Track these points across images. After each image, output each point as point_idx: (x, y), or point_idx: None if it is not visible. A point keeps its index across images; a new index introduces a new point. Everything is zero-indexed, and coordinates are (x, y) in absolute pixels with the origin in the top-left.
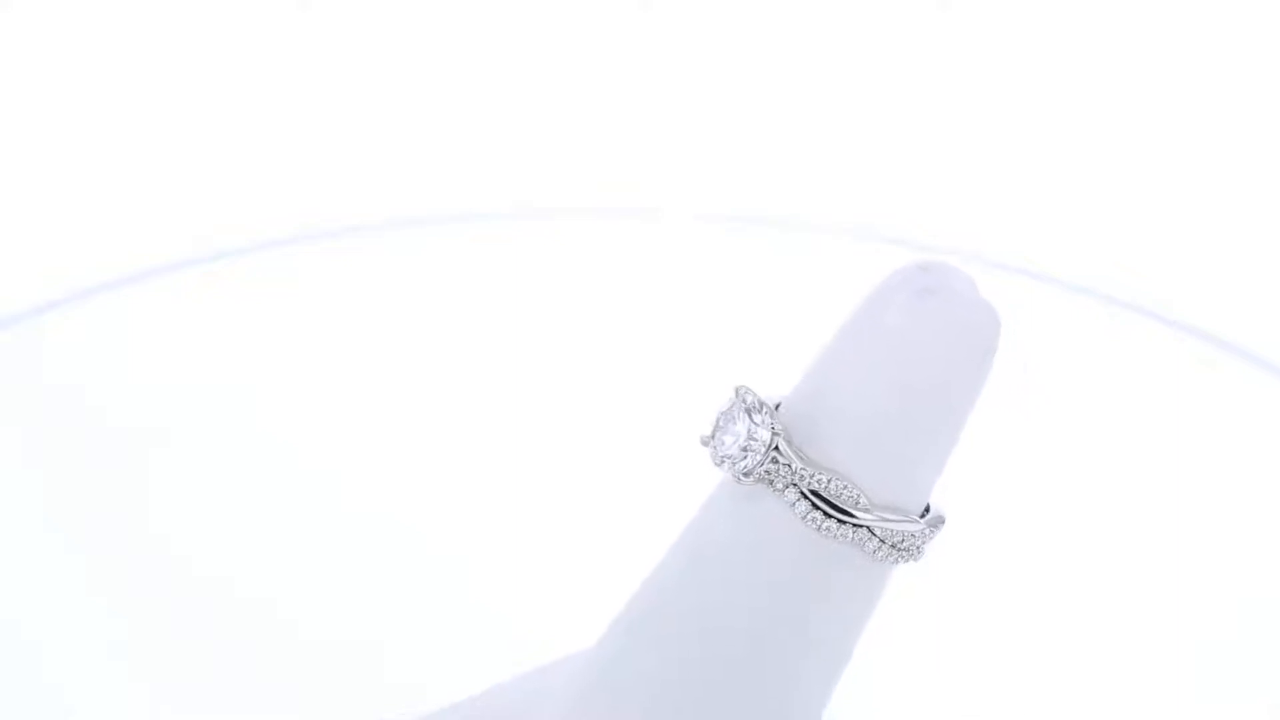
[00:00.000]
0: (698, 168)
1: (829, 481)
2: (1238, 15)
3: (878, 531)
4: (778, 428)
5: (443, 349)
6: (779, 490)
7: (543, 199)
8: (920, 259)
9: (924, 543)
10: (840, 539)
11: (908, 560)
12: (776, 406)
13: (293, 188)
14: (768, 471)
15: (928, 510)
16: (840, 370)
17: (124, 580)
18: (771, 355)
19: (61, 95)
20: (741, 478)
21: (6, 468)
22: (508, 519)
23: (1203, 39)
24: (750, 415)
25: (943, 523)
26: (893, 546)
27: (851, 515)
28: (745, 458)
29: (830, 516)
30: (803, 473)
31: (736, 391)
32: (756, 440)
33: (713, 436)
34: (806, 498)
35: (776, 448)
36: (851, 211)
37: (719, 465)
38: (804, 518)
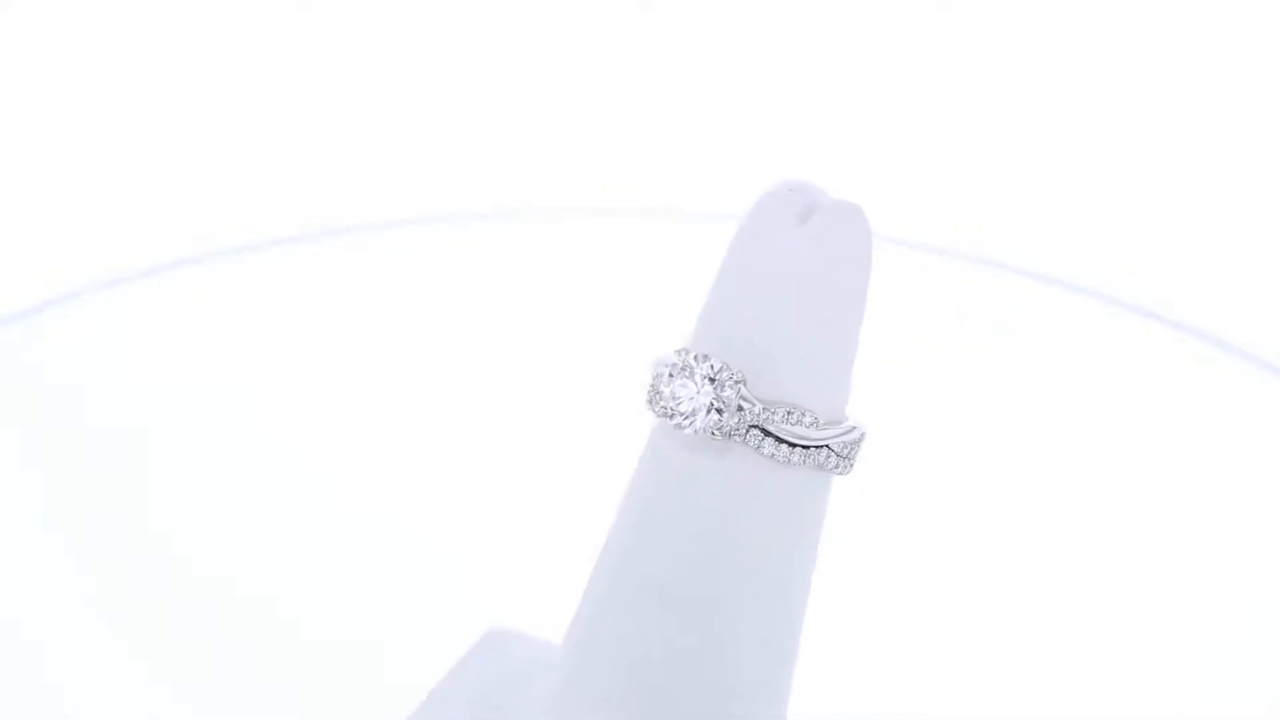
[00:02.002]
0: (698, 168)
1: (787, 413)
2: (1238, 15)
3: (835, 446)
4: (738, 377)
5: (443, 349)
6: (742, 436)
7: (543, 199)
8: (784, 181)
9: (861, 442)
10: (804, 464)
11: (850, 467)
12: (709, 361)
13: (293, 188)
14: (737, 422)
15: None
16: (751, 303)
17: (124, 580)
18: None
19: (61, 95)
20: (715, 433)
21: (6, 467)
22: (508, 519)
23: (1203, 39)
24: (704, 372)
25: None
26: (843, 457)
27: (811, 438)
28: (713, 415)
29: (795, 446)
30: (764, 413)
31: (680, 354)
32: (725, 395)
33: (656, 396)
34: (770, 435)
35: (743, 396)
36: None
37: (679, 425)
38: (771, 455)
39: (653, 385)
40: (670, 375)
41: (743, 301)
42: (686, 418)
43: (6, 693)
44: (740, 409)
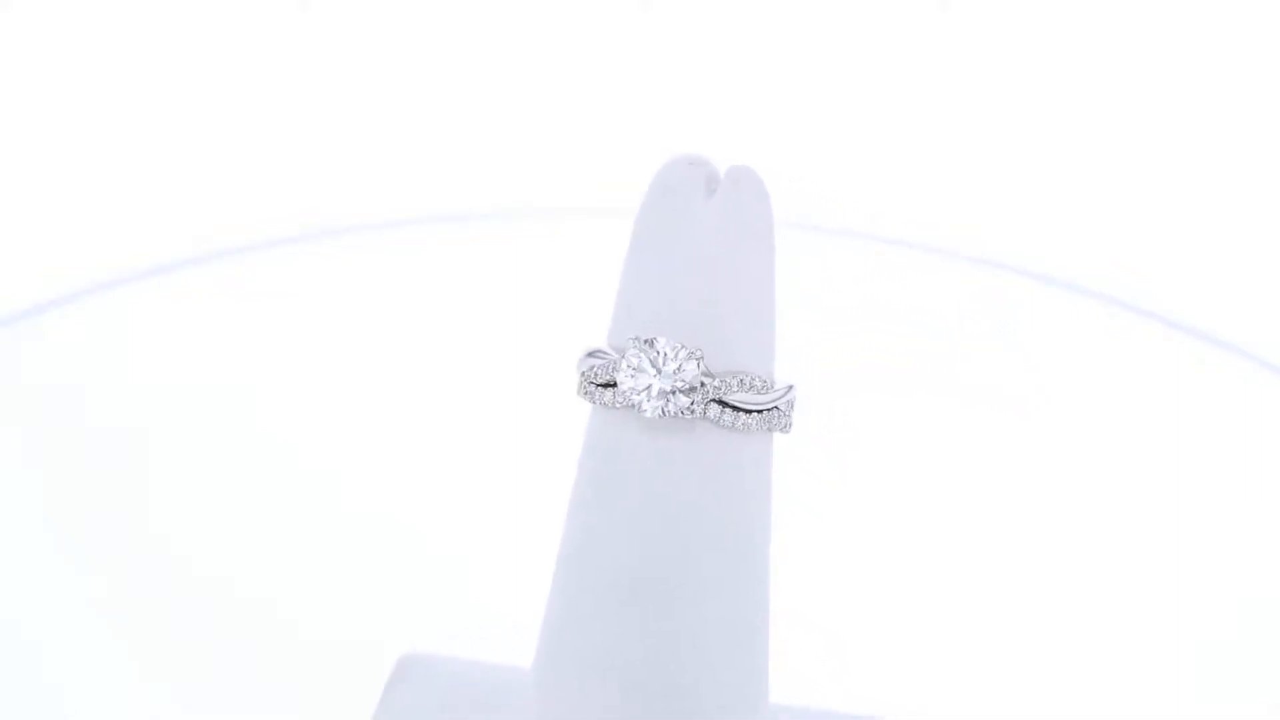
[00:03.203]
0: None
1: (739, 381)
2: (1238, 15)
3: (782, 406)
4: (698, 354)
5: (443, 349)
6: (702, 410)
7: (543, 199)
8: (681, 157)
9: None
10: (759, 428)
11: (791, 423)
12: (664, 343)
13: (293, 188)
14: (700, 398)
15: None
16: (679, 279)
17: (124, 580)
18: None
19: (61, 95)
20: (684, 413)
21: (6, 467)
22: (508, 518)
23: (1203, 39)
24: (663, 355)
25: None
26: (786, 414)
27: (764, 402)
28: (680, 397)
29: (751, 412)
30: (721, 385)
31: (633, 341)
32: (688, 374)
33: (605, 386)
34: (727, 405)
35: (704, 372)
36: (851, 211)
37: (644, 411)
38: (730, 425)
39: (593, 377)
40: (627, 365)
41: (670, 279)
42: (653, 402)
43: (6, 693)
44: (702, 384)
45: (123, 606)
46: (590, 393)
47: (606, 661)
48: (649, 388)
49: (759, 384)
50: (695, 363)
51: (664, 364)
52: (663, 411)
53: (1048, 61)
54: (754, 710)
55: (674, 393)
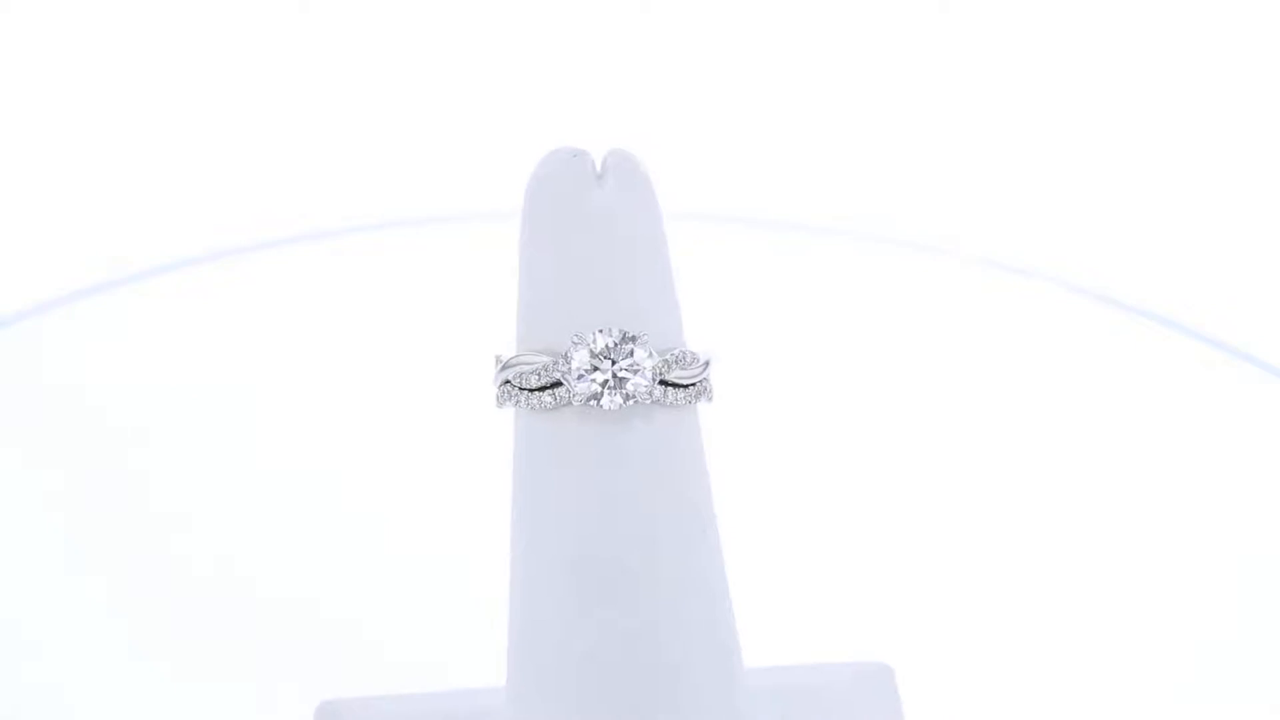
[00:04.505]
0: (697, 168)
1: (676, 359)
2: (1238, 15)
3: (709, 375)
4: (644, 339)
5: (443, 349)
6: (657, 394)
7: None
8: (560, 149)
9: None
10: (691, 399)
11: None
12: (614, 334)
13: (293, 188)
14: (654, 381)
15: None
16: (595, 268)
17: (124, 580)
18: (771, 355)
19: (61, 95)
20: (645, 399)
21: (6, 467)
22: (506, 518)
23: (1203, 39)
24: (616, 346)
25: None
26: (710, 384)
27: (696, 375)
28: (640, 383)
29: (688, 388)
30: (665, 366)
31: (577, 337)
32: (641, 362)
33: (542, 390)
34: (669, 384)
35: (651, 354)
36: (851, 212)
37: (604, 403)
38: (674, 403)
39: (523, 383)
40: (576, 363)
41: (583, 269)
42: (613, 395)
43: (6, 693)
44: (654, 367)
45: (123, 606)
46: (522, 399)
47: (589, 661)
48: (607, 380)
49: (688, 358)
50: (645, 349)
51: (617, 354)
52: (624, 400)
53: (1048, 62)
54: (733, 679)
55: (633, 381)
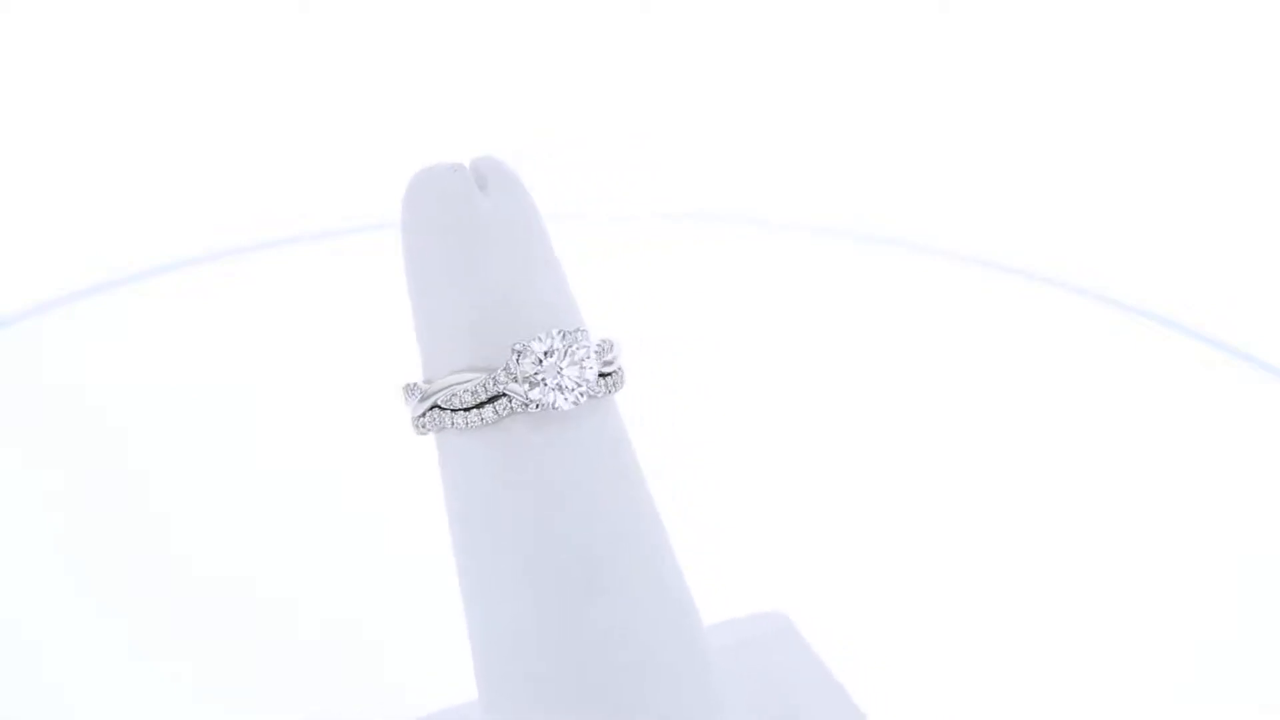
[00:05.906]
0: (697, 168)
1: (601, 349)
2: (1238, 15)
3: (621, 363)
4: (581, 337)
5: None
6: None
7: (541, 199)
8: (438, 164)
9: None
10: (614, 387)
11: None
12: (557, 336)
13: (293, 188)
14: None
15: None
16: (500, 272)
17: (124, 580)
18: (770, 355)
19: (62, 95)
20: (599, 394)
21: (6, 467)
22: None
23: (1203, 39)
24: (559, 349)
25: None
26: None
27: (618, 362)
28: (591, 379)
29: (614, 375)
30: (599, 358)
31: (516, 348)
32: (585, 359)
33: (478, 407)
34: (603, 375)
35: (591, 350)
36: (851, 212)
37: (560, 405)
38: (608, 392)
39: (455, 404)
40: (522, 373)
41: (489, 274)
42: (569, 394)
43: (6, 693)
44: (597, 362)
45: (123, 606)
46: (457, 420)
47: (564, 662)
48: (559, 384)
49: (609, 345)
50: (585, 347)
51: (565, 356)
52: (579, 398)
53: (1048, 62)
54: (706, 665)
55: (579, 375)
